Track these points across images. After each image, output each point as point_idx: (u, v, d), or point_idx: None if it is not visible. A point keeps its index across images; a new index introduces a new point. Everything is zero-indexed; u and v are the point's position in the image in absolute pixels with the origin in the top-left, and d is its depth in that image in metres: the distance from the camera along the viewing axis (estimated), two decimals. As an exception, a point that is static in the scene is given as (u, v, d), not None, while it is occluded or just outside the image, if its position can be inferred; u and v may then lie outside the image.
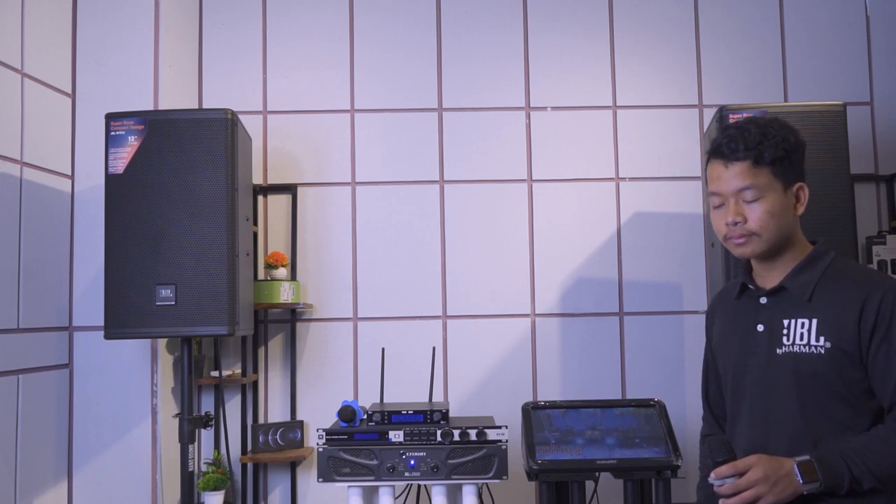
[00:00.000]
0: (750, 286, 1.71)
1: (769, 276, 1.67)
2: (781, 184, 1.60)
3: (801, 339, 1.59)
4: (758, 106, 2.77)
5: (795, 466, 1.48)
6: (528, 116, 3.52)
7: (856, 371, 1.55)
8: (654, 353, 3.40)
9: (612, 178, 3.49)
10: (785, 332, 1.61)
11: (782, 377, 1.60)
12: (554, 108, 3.52)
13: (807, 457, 1.49)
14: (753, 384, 1.67)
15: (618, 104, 3.53)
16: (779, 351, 1.61)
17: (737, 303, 1.75)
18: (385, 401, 2.82)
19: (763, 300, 1.67)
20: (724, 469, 1.50)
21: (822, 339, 1.56)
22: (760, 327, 1.66)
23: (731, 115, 2.74)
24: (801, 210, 1.64)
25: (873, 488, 1.49)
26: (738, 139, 1.60)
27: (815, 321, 1.58)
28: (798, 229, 1.66)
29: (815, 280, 1.61)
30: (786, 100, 3.49)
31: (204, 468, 3.21)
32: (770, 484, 1.47)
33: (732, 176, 1.60)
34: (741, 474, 1.49)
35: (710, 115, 3.42)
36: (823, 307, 1.58)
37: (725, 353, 1.76)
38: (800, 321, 1.60)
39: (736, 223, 1.60)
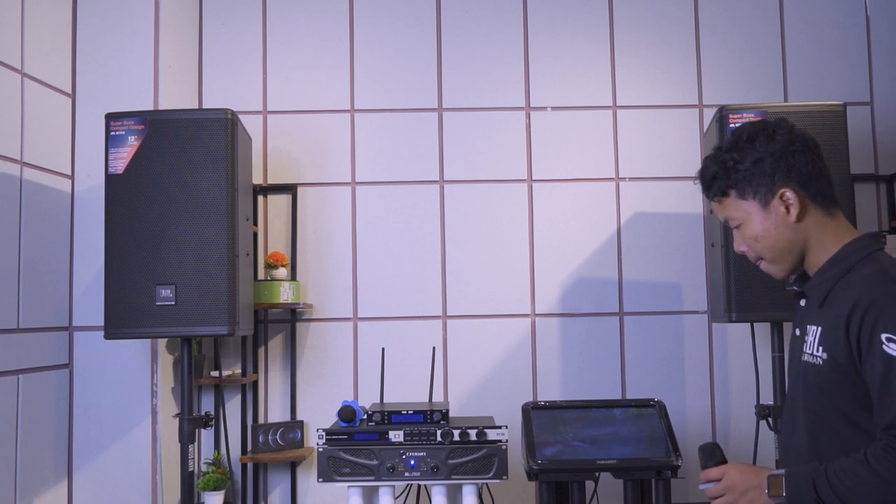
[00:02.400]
0: (796, 287, 1.67)
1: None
2: (757, 202, 1.56)
3: (810, 347, 1.53)
4: (758, 106, 2.77)
5: (766, 479, 1.49)
6: (528, 116, 3.52)
7: (853, 385, 1.45)
8: (654, 353, 3.40)
9: (612, 178, 3.49)
10: (806, 338, 1.56)
11: (798, 386, 1.58)
12: (554, 108, 3.52)
13: (781, 471, 1.49)
14: (788, 390, 1.66)
15: (618, 104, 3.52)
16: (802, 358, 1.58)
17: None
18: (385, 401, 2.82)
19: (802, 303, 1.64)
20: (702, 475, 1.61)
21: (821, 349, 1.50)
22: (797, 331, 1.63)
23: (731, 115, 2.74)
24: (794, 213, 1.54)
25: None
26: (701, 182, 1.64)
27: (820, 329, 1.51)
28: (818, 231, 1.55)
29: (830, 285, 1.52)
30: (786, 100, 3.49)
31: (204, 468, 3.21)
32: (738, 493, 1.51)
33: (717, 211, 1.66)
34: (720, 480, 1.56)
35: (710, 115, 3.41)
36: (828, 315, 1.50)
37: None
38: (812, 328, 1.54)
39: (742, 252, 1.63)
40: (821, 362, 1.49)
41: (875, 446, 1.39)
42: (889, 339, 1.38)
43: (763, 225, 1.56)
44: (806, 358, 1.55)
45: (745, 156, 1.56)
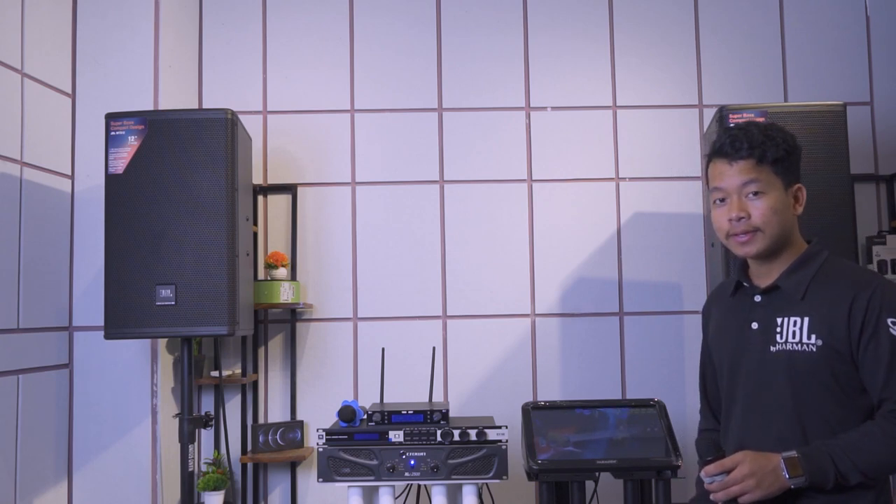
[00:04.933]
0: (745, 284, 1.76)
1: (765, 275, 1.72)
2: (782, 182, 1.66)
3: (794, 336, 1.62)
4: (758, 106, 2.77)
5: (782, 462, 1.53)
6: (528, 116, 3.52)
7: (847, 368, 1.59)
8: (654, 353, 3.40)
9: (612, 178, 3.49)
10: (778, 329, 1.65)
11: (776, 374, 1.65)
12: (554, 108, 3.52)
13: (793, 452, 1.54)
14: (747, 381, 1.71)
15: (618, 104, 3.53)
16: (772, 349, 1.65)
17: (732, 300, 1.80)
18: (385, 401, 2.82)
19: (758, 298, 1.72)
20: (712, 467, 1.57)
21: (813, 336, 1.60)
22: (755, 325, 1.70)
23: (731, 115, 2.74)
24: (799, 210, 1.69)
25: (861, 483, 1.53)
26: (741, 139, 1.66)
27: (807, 319, 1.62)
28: (796, 229, 1.70)
29: (808, 279, 1.65)
30: (786, 100, 3.49)
31: (204, 468, 3.21)
32: (756, 479, 1.53)
33: (736, 172, 1.66)
34: (729, 471, 1.56)
35: (710, 115, 3.42)
36: (815, 306, 1.62)
37: (721, 349, 1.81)
38: (792, 319, 1.64)
39: (740, 218, 1.65)
40: (814, 349, 1.60)
41: (883, 418, 1.54)
42: (894, 323, 1.55)
43: (783, 203, 1.65)
44: (789, 347, 1.62)
45: (788, 140, 1.68)
